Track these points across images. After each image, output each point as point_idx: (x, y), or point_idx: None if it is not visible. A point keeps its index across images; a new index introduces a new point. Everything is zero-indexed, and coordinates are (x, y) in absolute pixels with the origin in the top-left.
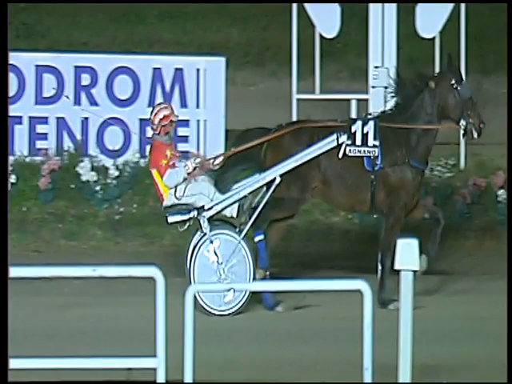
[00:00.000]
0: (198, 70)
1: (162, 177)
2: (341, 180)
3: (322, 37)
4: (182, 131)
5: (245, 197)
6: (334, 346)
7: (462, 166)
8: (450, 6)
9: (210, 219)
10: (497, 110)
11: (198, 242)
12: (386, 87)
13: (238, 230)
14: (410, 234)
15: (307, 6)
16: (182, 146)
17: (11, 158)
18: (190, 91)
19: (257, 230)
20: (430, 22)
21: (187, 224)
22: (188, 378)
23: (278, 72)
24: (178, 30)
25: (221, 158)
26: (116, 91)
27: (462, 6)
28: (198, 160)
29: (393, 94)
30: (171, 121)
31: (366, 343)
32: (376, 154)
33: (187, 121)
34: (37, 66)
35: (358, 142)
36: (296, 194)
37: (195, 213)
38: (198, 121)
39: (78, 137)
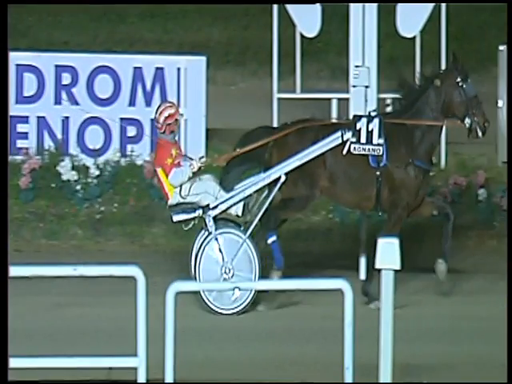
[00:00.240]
0: (178, 69)
1: (167, 176)
2: (346, 177)
3: (302, 36)
4: None
5: (250, 195)
6: (314, 346)
7: (442, 165)
8: (431, 5)
9: (215, 218)
10: None
11: (203, 241)
12: (366, 86)
13: (243, 228)
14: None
15: (288, 5)
16: None
17: None
18: (170, 90)
19: (268, 231)
20: (410, 21)
21: (192, 223)
22: (169, 377)
23: (258, 71)
24: (158, 29)
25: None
26: (97, 90)
27: (443, 5)
28: (204, 159)
29: (399, 95)
30: (176, 119)
31: (347, 342)
32: (381, 153)
33: None
34: (17, 65)
35: (363, 139)
36: (305, 192)
37: (200, 211)
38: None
39: (59, 136)
